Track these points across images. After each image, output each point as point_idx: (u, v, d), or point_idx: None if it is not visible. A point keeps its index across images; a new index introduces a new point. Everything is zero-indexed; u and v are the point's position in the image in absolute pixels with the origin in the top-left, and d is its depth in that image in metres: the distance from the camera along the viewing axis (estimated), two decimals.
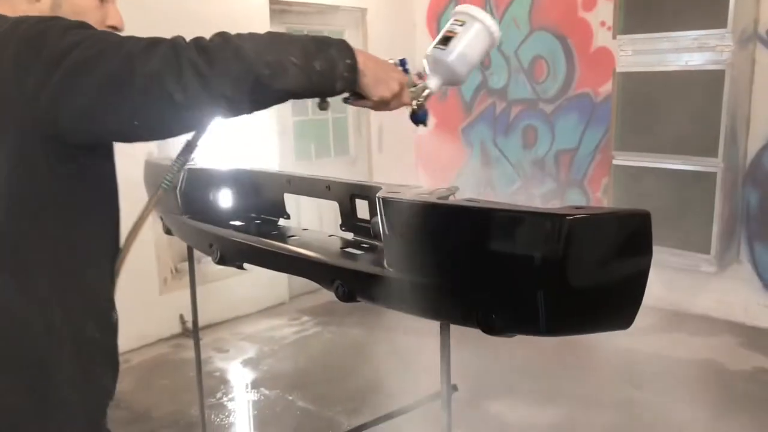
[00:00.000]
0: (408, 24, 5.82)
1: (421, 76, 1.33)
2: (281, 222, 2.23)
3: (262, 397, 3.65)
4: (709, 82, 4.03)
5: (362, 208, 1.98)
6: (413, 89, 1.30)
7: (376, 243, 1.80)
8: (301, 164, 5.13)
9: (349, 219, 1.94)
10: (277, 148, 4.87)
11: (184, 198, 2.23)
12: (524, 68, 5.28)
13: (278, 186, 2.13)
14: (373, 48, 5.51)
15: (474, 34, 1.30)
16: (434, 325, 1.61)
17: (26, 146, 1.04)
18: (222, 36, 1.04)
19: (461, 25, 1.30)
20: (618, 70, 4.40)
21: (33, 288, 1.09)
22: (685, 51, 4.14)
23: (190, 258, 2.54)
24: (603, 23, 4.78)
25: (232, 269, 2.57)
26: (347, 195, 1.91)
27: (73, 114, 1.01)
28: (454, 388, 1.65)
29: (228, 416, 3.47)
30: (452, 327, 1.60)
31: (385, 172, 5.68)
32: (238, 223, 2.20)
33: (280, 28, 4.98)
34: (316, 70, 1.08)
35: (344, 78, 1.12)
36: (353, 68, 1.13)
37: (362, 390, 3.68)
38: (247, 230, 2.10)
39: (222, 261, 2.12)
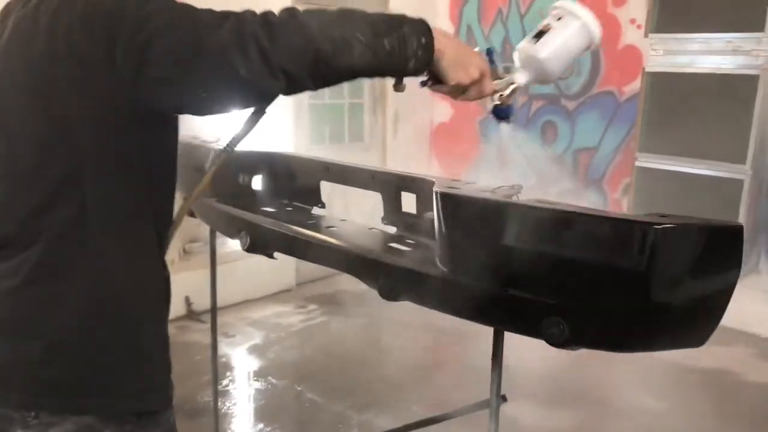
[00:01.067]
0: (430, 11, 5.70)
1: (508, 69, 1.27)
2: (315, 211, 2.12)
3: (270, 386, 3.56)
4: (741, 86, 3.94)
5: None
6: (498, 81, 1.23)
7: (424, 240, 1.70)
8: (316, 149, 5.02)
9: (393, 212, 1.83)
10: (292, 131, 4.76)
11: (212, 179, 2.12)
12: None
13: (315, 173, 2.02)
14: None
15: (571, 32, 1.23)
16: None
17: (113, 111, 1.07)
18: (289, 11, 1.04)
19: (558, 20, 1.24)
20: (647, 69, 4.31)
21: (129, 246, 1.16)
22: (718, 53, 4.05)
23: (212, 241, 2.43)
24: (633, 20, 4.66)
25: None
26: (393, 187, 1.81)
27: (149, 82, 1.03)
28: (503, 398, 1.55)
29: (236, 404, 3.39)
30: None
31: (398, 160, 5.58)
32: (269, 209, 2.10)
33: (298, 5, 4.84)
34: (385, 49, 1.05)
35: (418, 57, 1.07)
36: (428, 47, 1.08)
37: (371, 384, 3.60)
38: (281, 218, 1.99)
39: (252, 248, 2.02)
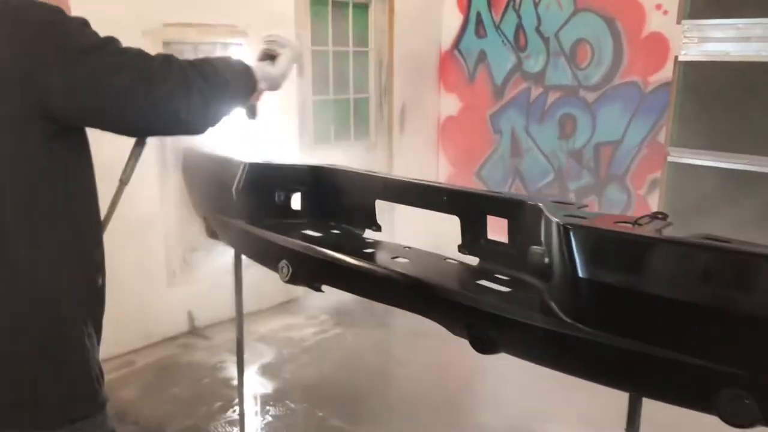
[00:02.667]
0: None
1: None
2: (367, 234, 1.80)
3: (289, 412, 3.25)
4: None
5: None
6: None
7: (521, 275, 1.39)
8: (321, 148, 4.69)
9: (474, 240, 1.52)
10: (296, 129, 4.42)
11: (242, 198, 1.80)
12: (565, 52, 4.87)
13: (370, 191, 1.70)
14: (400, 20, 5.06)
15: (290, 55, 1.65)
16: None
17: (29, 126, 1.12)
18: (212, 65, 1.29)
19: (282, 47, 1.65)
20: (681, 58, 4.01)
21: (44, 252, 1.18)
22: (757, 40, 3.77)
23: (237, 267, 2.10)
24: (659, 6, 4.38)
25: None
26: (475, 209, 1.49)
27: (87, 109, 1.15)
28: None
29: None
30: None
31: (405, 157, 5.27)
32: (312, 233, 1.78)
33: None
34: (246, 94, 1.44)
35: (253, 92, 1.47)
36: (255, 89, 1.48)
37: (397, 406, 3.31)
38: (329, 244, 1.67)
39: (293, 279, 1.71)
